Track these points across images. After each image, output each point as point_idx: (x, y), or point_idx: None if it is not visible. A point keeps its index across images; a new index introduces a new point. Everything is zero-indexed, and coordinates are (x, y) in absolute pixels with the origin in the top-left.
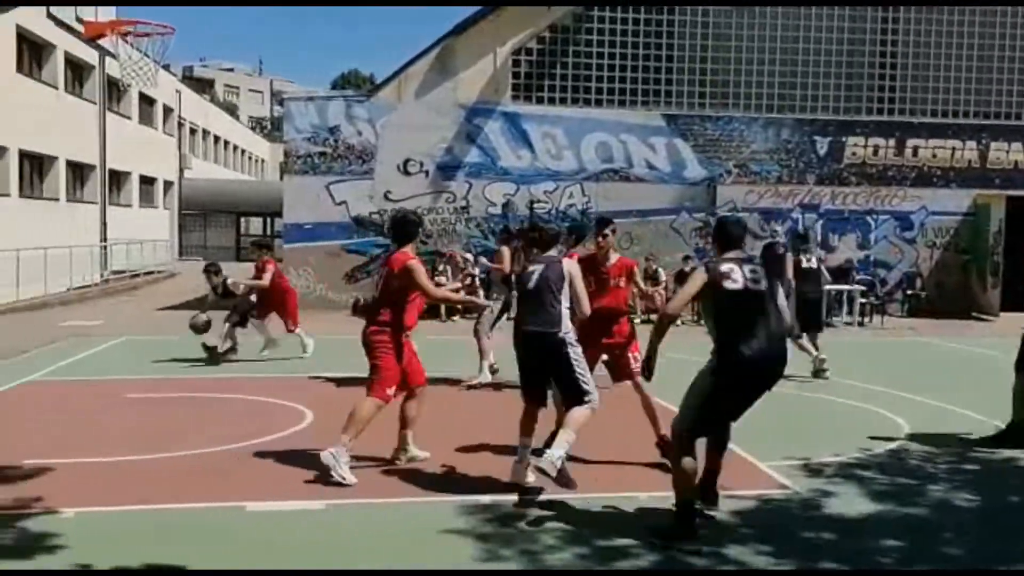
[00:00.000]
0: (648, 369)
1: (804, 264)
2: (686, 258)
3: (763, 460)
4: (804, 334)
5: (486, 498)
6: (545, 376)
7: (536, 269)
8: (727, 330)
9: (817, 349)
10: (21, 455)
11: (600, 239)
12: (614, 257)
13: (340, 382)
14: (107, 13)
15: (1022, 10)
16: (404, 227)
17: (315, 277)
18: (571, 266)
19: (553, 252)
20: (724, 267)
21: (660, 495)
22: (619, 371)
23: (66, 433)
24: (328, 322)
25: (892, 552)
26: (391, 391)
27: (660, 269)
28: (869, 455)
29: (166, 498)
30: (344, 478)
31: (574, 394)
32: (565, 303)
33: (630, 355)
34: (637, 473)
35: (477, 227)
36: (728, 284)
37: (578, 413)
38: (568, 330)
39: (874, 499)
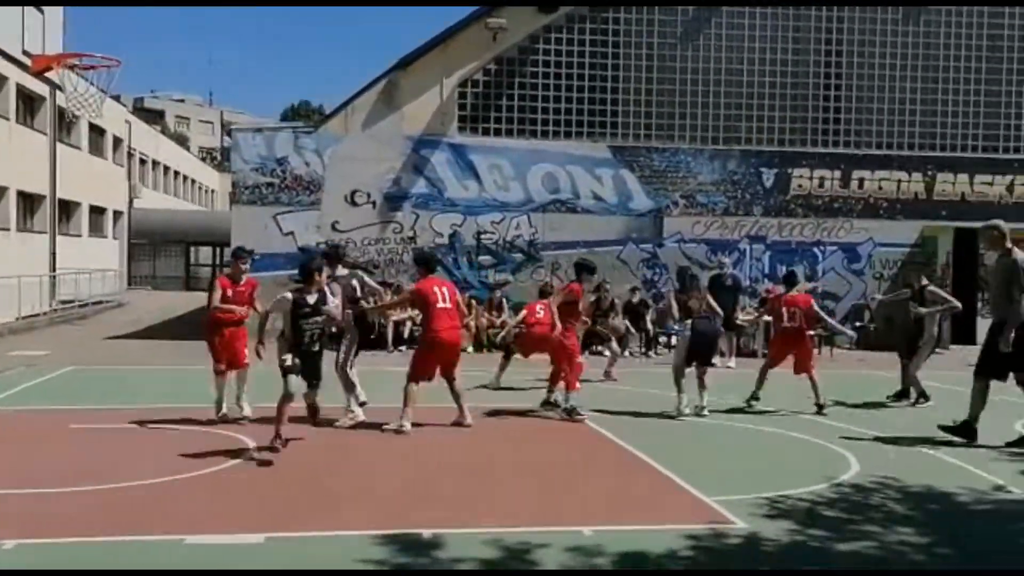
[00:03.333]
0: None
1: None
2: (633, 289)
3: (709, 495)
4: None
5: (426, 532)
6: None
7: None
8: None
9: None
10: None
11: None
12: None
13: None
14: (55, 43)
15: (965, 43)
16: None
17: (262, 307)
18: None
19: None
20: None
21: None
22: None
23: (8, 463)
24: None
25: None
26: None
27: (615, 299)
28: (816, 490)
29: (105, 530)
30: None
31: None
32: None
33: None
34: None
35: None
36: None
37: None
38: None
39: (819, 534)
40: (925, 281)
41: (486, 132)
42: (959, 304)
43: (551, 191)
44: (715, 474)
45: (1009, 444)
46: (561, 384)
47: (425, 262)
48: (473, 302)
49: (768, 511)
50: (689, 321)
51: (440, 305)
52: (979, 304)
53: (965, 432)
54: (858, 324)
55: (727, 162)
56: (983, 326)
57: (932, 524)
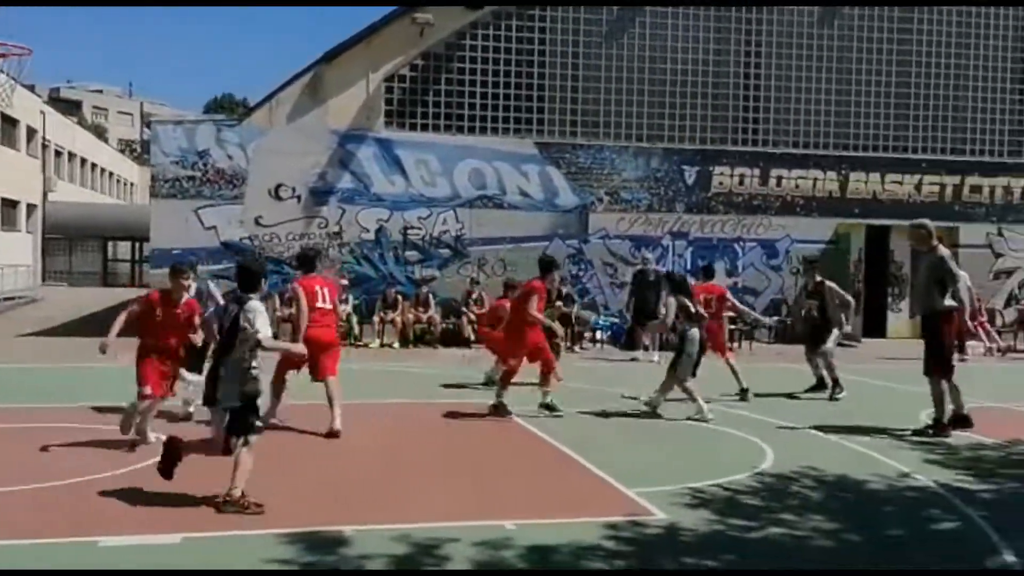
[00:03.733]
0: None
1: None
2: (561, 280)
3: (631, 487)
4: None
5: (347, 529)
6: None
7: None
8: None
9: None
10: None
11: None
12: None
13: (202, 411)
14: None
15: (876, 46)
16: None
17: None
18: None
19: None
20: None
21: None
22: None
23: None
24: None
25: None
26: None
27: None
28: (734, 480)
29: (16, 533)
30: None
31: None
32: None
33: None
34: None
35: (350, 252)
36: None
37: None
38: None
39: (736, 523)
40: (819, 277)
41: (413, 127)
42: (851, 300)
43: (478, 187)
44: (637, 467)
45: (915, 432)
46: (552, 382)
47: (307, 261)
48: (399, 298)
49: (687, 502)
50: (695, 328)
51: (319, 305)
52: (889, 299)
53: (963, 422)
54: (776, 318)
55: (650, 160)
56: (893, 320)
57: (844, 511)
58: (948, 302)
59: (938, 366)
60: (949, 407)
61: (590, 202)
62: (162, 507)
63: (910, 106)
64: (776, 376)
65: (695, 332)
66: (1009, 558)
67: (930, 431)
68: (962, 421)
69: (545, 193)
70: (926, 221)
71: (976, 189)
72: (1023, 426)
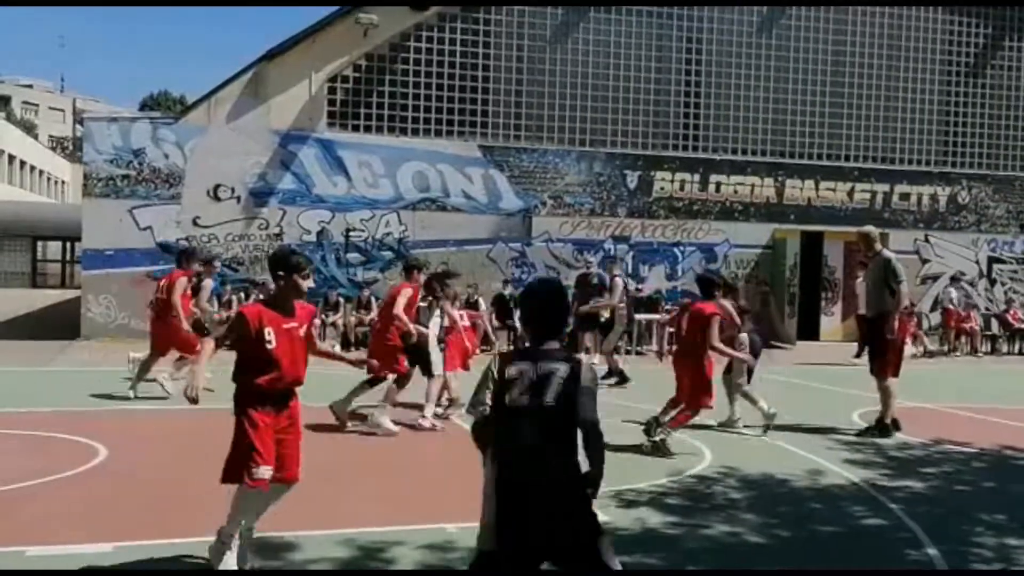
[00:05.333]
0: None
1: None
2: (505, 282)
3: None
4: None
5: (288, 534)
6: None
7: None
8: None
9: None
10: None
11: None
12: None
13: (138, 415)
14: None
15: (812, 56)
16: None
17: (116, 305)
18: None
19: None
20: None
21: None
22: None
23: None
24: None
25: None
26: None
27: (480, 298)
28: (668, 481)
29: None
30: None
31: None
32: None
33: None
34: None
35: None
36: None
37: None
38: None
39: (669, 522)
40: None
41: (356, 129)
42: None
43: (421, 189)
44: None
45: (859, 433)
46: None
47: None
48: (341, 300)
49: (624, 502)
50: (745, 334)
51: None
52: (823, 303)
53: (884, 430)
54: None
55: (593, 164)
56: (827, 323)
57: (775, 510)
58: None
59: (886, 366)
60: (895, 407)
61: (533, 205)
62: (96, 514)
63: (843, 115)
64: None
65: (744, 336)
66: (931, 551)
67: (875, 432)
68: (894, 424)
69: (489, 196)
70: (870, 228)
71: (905, 197)
72: (947, 426)
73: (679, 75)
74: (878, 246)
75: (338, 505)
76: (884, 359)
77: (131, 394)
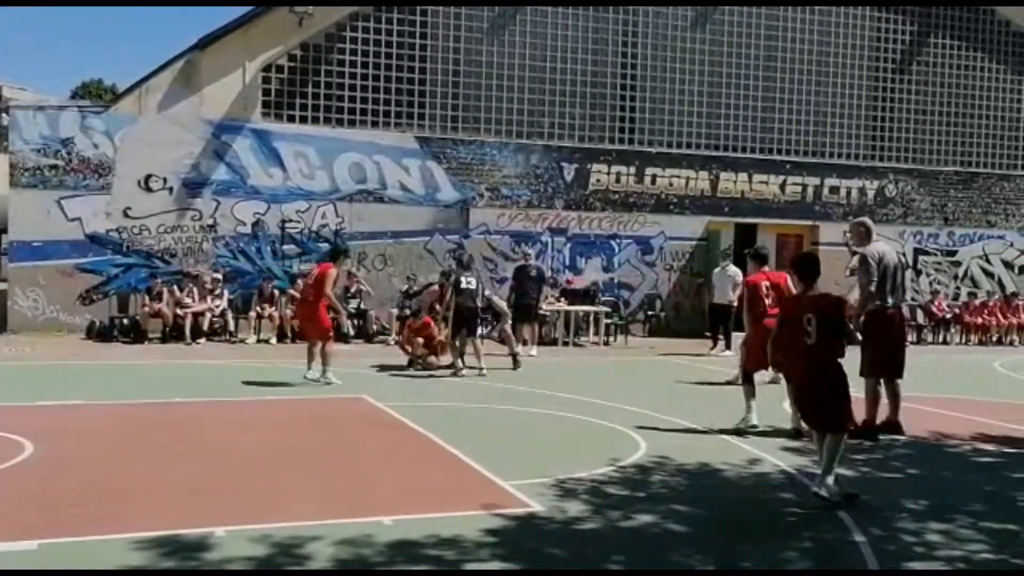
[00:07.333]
0: None
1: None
2: (443, 274)
3: (506, 479)
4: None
5: (219, 530)
6: None
7: None
8: None
9: None
10: None
11: None
12: None
13: (67, 410)
14: None
15: (745, 51)
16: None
17: (45, 298)
18: None
19: None
20: None
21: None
22: None
23: None
24: (58, 346)
25: (620, 562)
26: None
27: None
28: (606, 471)
29: None
30: None
31: None
32: None
33: None
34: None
35: (225, 246)
36: None
37: None
38: None
39: (605, 511)
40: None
41: (291, 119)
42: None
43: (358, 180)
44: (511, 459)
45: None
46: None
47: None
48: (276, 292)
49: (560, 492)
50: None
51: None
52: None
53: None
54: (650, 312)
55: (530, 156)
56: None
57: (706, 497)
58: (888, 300)
59: (875, 367)
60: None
61: (471, 197)
62: (21, 511)
63: (776, 110)
64: (650, 368)
65: None
66: (858, 537)
67: (861, 433)
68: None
69: (426, 188)
70: (866, 219)
71: (834, 190)
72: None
73: (615, 68)
74: (874, 238)
75: (269, 499)
76: (874, 359)
77: (329, 380)
